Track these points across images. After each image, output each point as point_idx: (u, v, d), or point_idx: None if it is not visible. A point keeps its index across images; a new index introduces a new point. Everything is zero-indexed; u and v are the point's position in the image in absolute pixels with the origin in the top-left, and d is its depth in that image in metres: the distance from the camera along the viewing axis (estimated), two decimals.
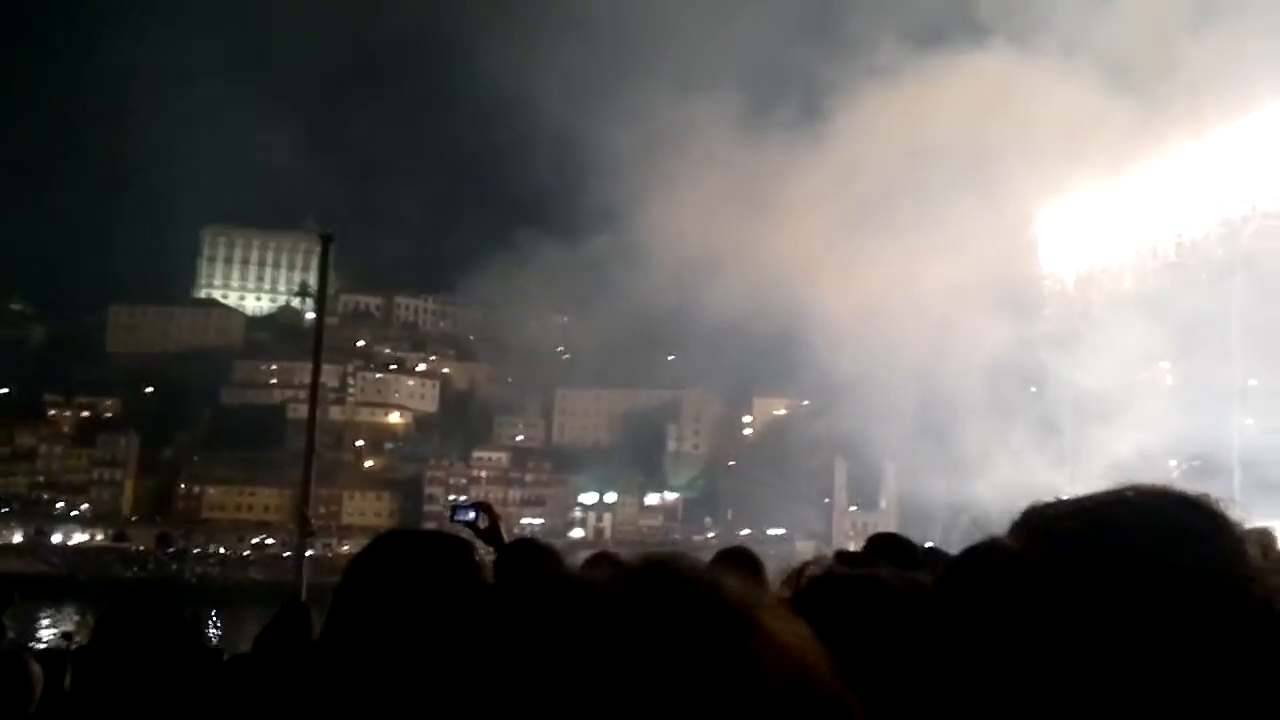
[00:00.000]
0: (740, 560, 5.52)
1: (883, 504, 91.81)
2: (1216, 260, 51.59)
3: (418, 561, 2.03)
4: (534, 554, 5.51)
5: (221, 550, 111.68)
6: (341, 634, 2.01)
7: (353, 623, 2.01)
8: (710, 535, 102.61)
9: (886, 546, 5.80)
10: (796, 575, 1.62)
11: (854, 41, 72.58)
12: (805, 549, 74.60)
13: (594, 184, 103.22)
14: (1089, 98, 54.51)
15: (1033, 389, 60.40)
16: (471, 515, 4.56)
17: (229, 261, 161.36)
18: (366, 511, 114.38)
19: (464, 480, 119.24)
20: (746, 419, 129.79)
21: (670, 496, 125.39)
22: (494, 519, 4.56)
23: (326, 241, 10.80)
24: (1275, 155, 48.77)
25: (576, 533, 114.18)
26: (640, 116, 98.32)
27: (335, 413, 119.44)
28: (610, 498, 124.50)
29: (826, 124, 66.01)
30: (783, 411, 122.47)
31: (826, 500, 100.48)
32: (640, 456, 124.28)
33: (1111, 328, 52.87)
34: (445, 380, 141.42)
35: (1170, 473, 58.71)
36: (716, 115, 76.74)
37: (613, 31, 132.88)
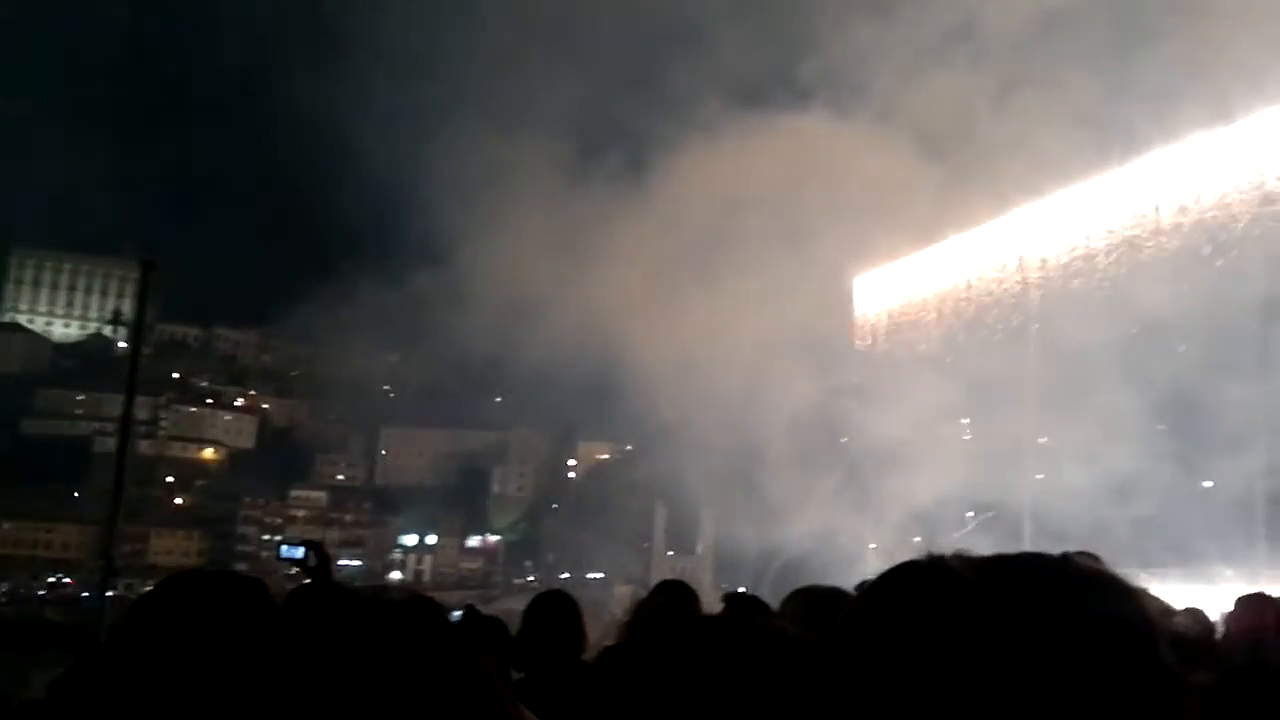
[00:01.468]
0: (556, 604, 5.18)
1: (699, 550, 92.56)
2: (1011, 322, 54.13)
3: (203, 602, 1.98)
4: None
5: (14, 589, 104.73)
6: (116, 675, 1.95)
7: (130, 664, 1.93)
8: (531, 579, 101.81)
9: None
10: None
11: (677, 97, 73.87)
12: (624, 593, 74.36)
13: (421, 221, 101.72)
14: (900, 164, 56.71)
15: (843, 439, 61.82)
16: (299, 553, 4.45)
17: (37, 285, 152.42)
18: (174, 551, 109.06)
19: (279, 520, 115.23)
20: (571, 462, 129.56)
21: (492, 539, 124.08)
22: (325, 557, 4.49)
23: (147, 269, 10.04)
24: (1065, 229, 51.69)
25: (395, 575, 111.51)
26: (465, 156, 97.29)
27: (145, 446, 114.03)
28: (431, 539, 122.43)
29: (648, 175, 66.74)
30: (606, 456, 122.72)
31: (646, 545, 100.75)
32: (464, 498, 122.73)
33: (916, 384, 54.69)
34: (264, 416, 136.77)
35: (967, 523, 61.04)
36: (541, 161, 76.74)
37: (438, 70, 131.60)
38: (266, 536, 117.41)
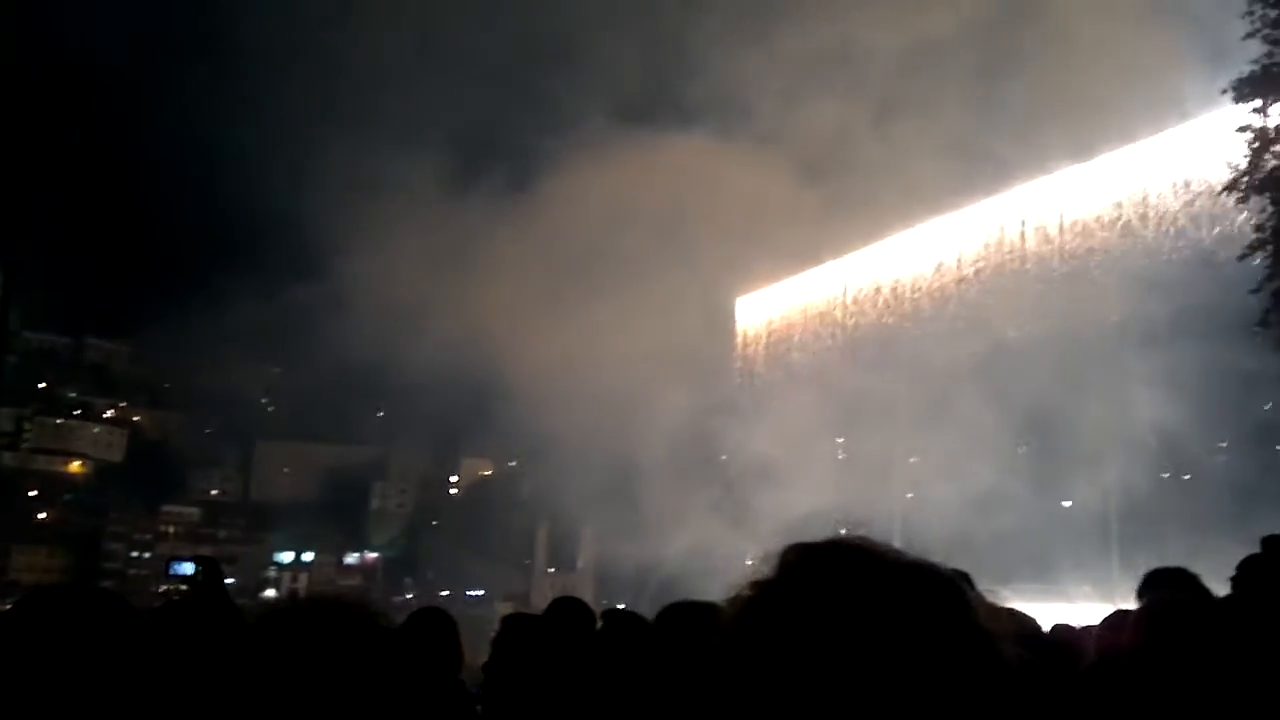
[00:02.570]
0: (434, 621, 4.99)
1: (580, 566, 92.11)
2: (884, 343, 55.23)
3: (59, 619, 1.94)
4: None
5: None
6: None
7: None
8: (409, 596, 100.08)
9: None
10: None
11: (562, 114, 73.56)
12: (504, 610, 73.56)
13: (299, 233, 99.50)
14: (781, 187, 57.46)
15: (722, 456, 62.20)
16: (189, 570, 4.42)
17: None
18: (35, 568, 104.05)
19: (149, 536, 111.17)
20: (453, 478, 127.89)
21: (371, 556, 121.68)
22: (217, 575, 4.42)
23: (13, 273, 9.29)
24: (936, 253, 53.03)
25: (270, 593, 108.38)
26: (345, 167, 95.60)
27: (8, 459, 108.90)
28: (308, 556, 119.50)
29: (531, 190, 66.36)
30: (489, 472, 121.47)
31: (527, 562, 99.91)
32: (342, 514, 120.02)
33: (793, 402, 55.39)
34: (135, 428, 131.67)
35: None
36: (423, 173, 75.58)
37: (317, 80, 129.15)
38: (135, 553, 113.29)
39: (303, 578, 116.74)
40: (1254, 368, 31.35)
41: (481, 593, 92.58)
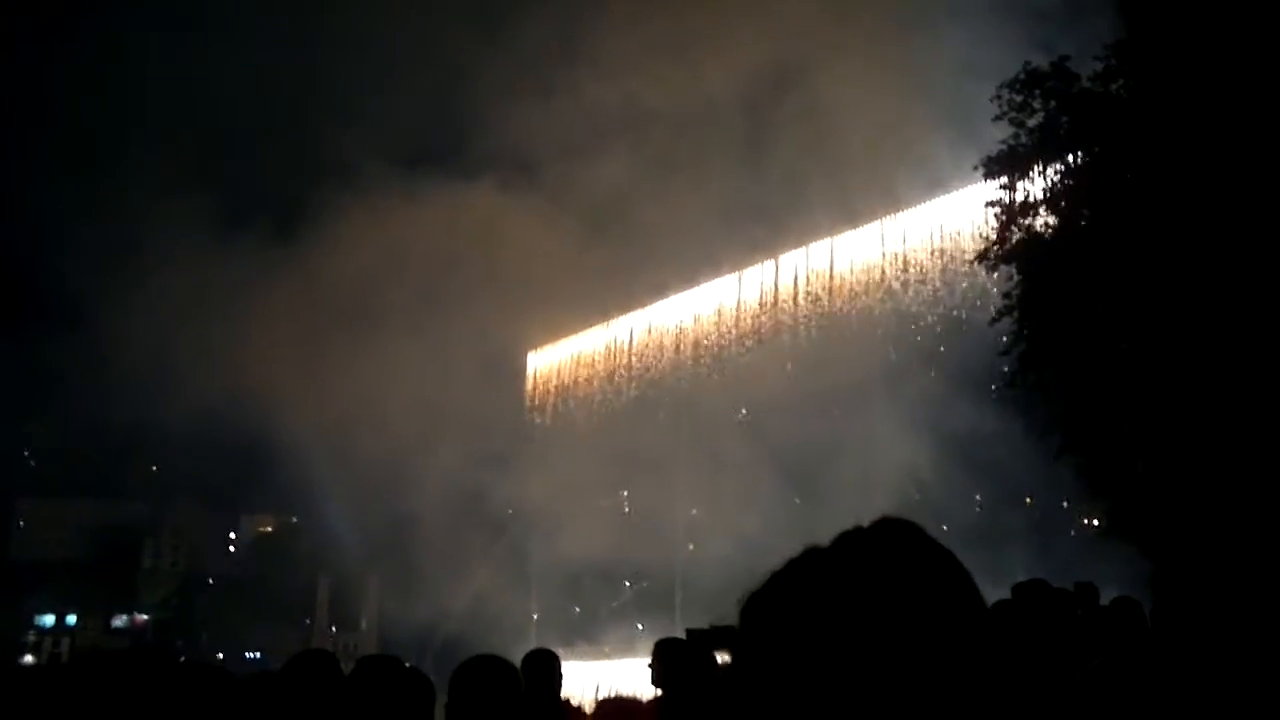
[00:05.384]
0: (207, 680, 4.25)
1: (364, 625, 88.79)
2: (669, 402, 55.76)
3: None
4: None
5: None
6: None
7: None
8: (181, 660, 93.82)
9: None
10: None
11: (339, 161, 70.36)
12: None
13: (56, 282, 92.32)
14: (568, 241, 57.26)
15: (509, 510, 61.22)
16: None
17: None
18: None
19: None
20: (232, 535, 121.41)
21: (141, 617, 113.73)
22: None
23: None
24: (715, 313, 54.16)
25: (29, 659, 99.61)
26: (106, 213, 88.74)
27: None
28: (71, 619, 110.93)
29: (309, 239, 63.19)
30: (269, 529, 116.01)
31: (308, 621, 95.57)
32: (110, 573, 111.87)
33: (581, 458, 55.09)
34: None
35: (624, 593, 61.80)
36: (187, 220, 70.59)
37: (74, 123, 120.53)
38: None
39: (65, 642, 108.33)
40: (1002, 427, 33.15)
41: (259, 655, 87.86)
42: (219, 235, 69.66)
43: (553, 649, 6.69)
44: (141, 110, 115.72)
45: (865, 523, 1.27)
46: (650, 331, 57.37)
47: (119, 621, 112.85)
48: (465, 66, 66.34)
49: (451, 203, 58.45)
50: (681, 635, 8.28)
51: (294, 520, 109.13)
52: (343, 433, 55.79)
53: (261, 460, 76.72)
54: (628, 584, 60.50)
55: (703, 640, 5.38)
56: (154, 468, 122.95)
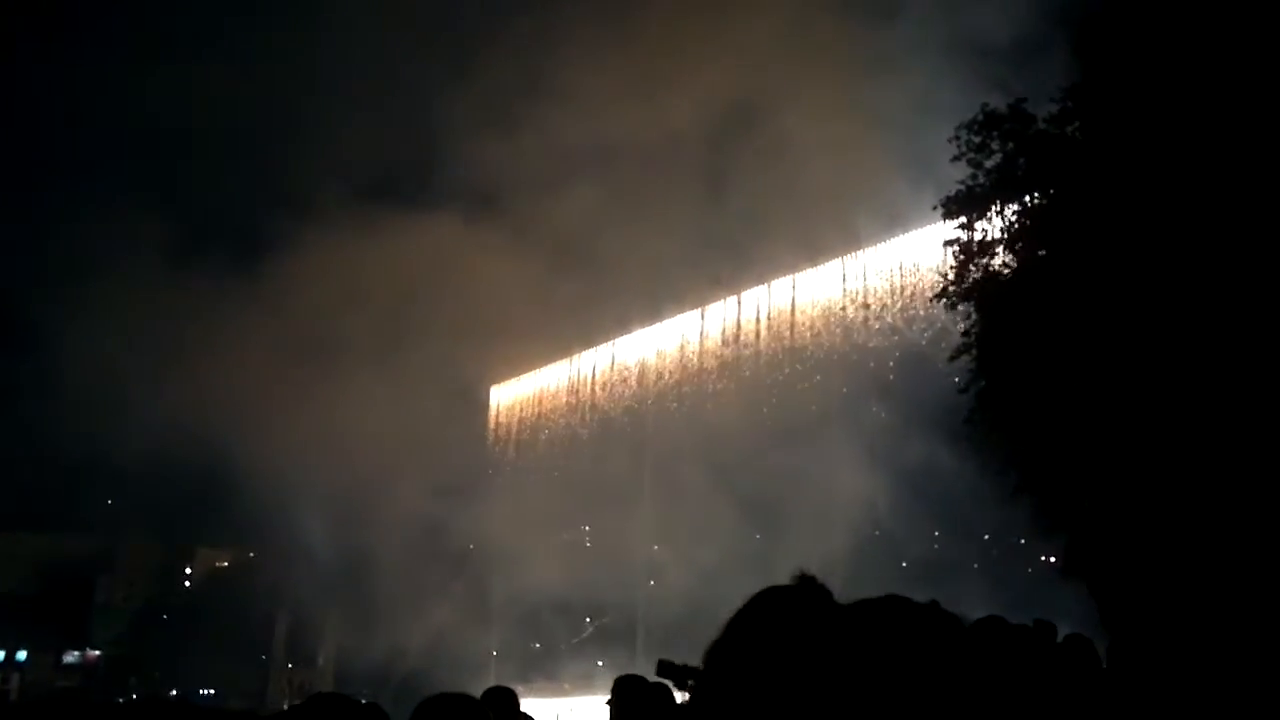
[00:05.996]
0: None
1: (320, 661, 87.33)
2: (631, 437, 55.69)
3: None
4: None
5: None
6: None
7: None
8: (135, 697, 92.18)
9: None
10: None
11: (302, 191, 69.33)
12: (236, 708, 68.27)
13: (7, 308, 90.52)
14: (533, 276, 57.14)
15: (470, 545, 60.70)
16: None
17: None
18: None
19: None
20: (188, 569, 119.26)
21: (93, 653, 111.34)
22: None
23: None
24: (671, 360, 54.35)
25: None
26: (63, 238, 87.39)
27: None
28: (21, 655, 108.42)
29: (269, 270, 62.38)
30: (225, 563, 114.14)
31: (264, 657, 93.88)
32: (62, 609, 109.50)
33: (543, 493, 54.81)
34: None
35: (585, 628, 61.31)
36: (144, 245, 69.50)
37: (27, 143, 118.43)
38: None
39: (15, 678, 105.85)
40: (959, 464, 33.27)
41: (213, 692, 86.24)
42: (176, 262, 68.79)
43: (511, 686, 6.59)
44: (94, 135, 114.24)
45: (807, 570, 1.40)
46: (613, 366, 57.41)
47: (70, 658, 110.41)
48: (431, 99, 66.42)
49: (415, 235, 58.25)
50: (642, 672, 8.20)
51: (251, 554, 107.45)
52: (301, 465, 55.11)
53: (218, 493, 75.70)
54: (588, 619, 60.00)
55: (672, 672, 5.32)
56: (108, 501, 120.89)
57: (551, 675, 54.60)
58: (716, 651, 1.31)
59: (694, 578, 44.75)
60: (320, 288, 57.57)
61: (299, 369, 57.57)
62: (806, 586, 1.39)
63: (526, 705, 6.70)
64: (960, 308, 23.23)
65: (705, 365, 53.67)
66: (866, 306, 45.64)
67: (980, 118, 22.28)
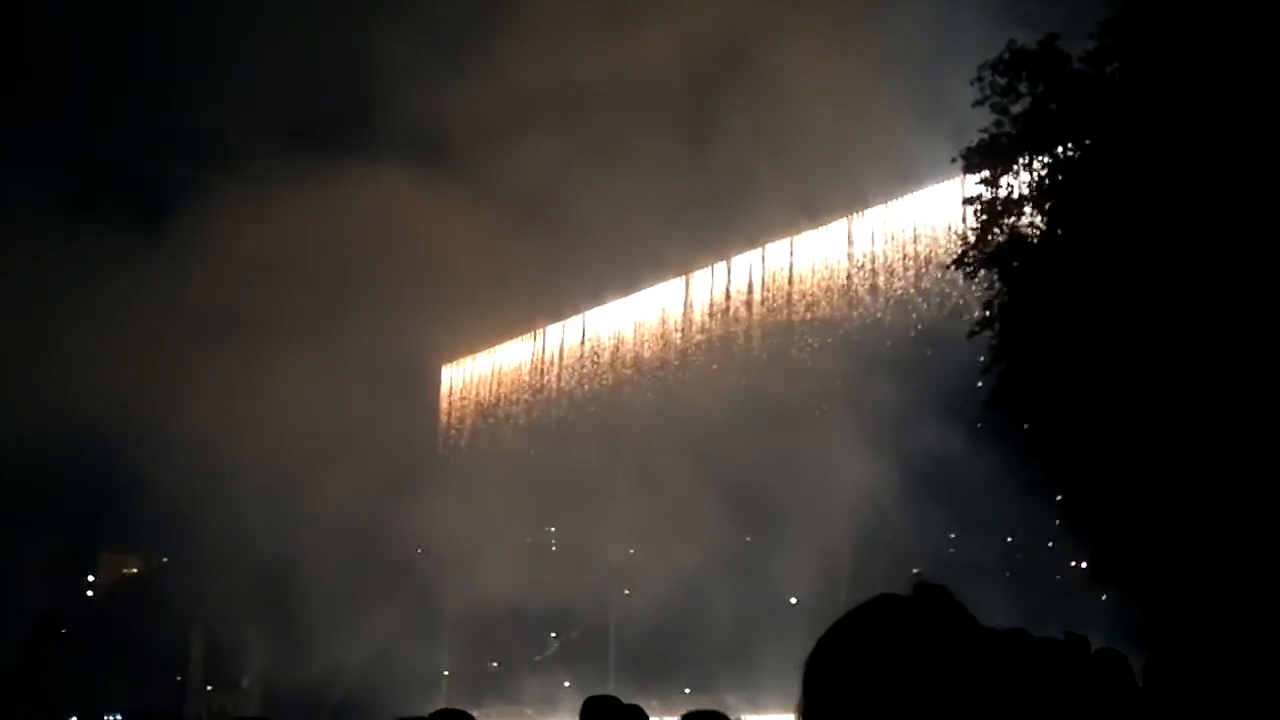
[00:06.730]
0: None
1: (245, 683, 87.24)
2: (604, 423, 55.64)
3: None
4: None
5: None
6: None
7: None
8: None
9: None
10: None
11: (216, 137, 66.02)
12: None
13: None
14: (490, 239, 56.31)
15: (419, 550, 60.68)
16: None
17: None
18: None
19: None
20: (91, 577, 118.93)
21: None
22: None
23: None
24: (650, 335, 54.23)
25: None
26: None
27: None
28: None
29: (172, 230, 60.16)
30: (134, 570, 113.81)
31: (179, 677, 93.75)
32: None
33: (503, 489, 54.68)
34: None
35: (550, 645, 61.43)
36: (22, 202, 67.04)
37: None
38: None
39: None
40: (977, 456, 33.38)
41: (119, 718, 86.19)
42: (65, 219, 66.42)
43: (464, 709, 6.55)
44: None
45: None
46: (583, 342, 57.26)
47: None
48: (371, 27, 65.43)
49: (352, 188, 57.18)
50: (615, 693, 8.20)
51: (164, 559, 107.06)
52: (222, 457, 54.57)
53: (125, 488, 74.98)
54: (553, 634, 60.14)
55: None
56: None
57: (510, 697, 54.72)
58: (823, 675, 1.37)
59: (674, 585, 44.87)
60: (240, 250, 56.44)
61: (216, 345, 56.77)
62: (936, 600, 1.45)
63: None
64: (981, 275, 23.18)
65: (689, 341, 53.72)
66: (874, 273, 45.80)
67: (1006, 56, 22.21)
